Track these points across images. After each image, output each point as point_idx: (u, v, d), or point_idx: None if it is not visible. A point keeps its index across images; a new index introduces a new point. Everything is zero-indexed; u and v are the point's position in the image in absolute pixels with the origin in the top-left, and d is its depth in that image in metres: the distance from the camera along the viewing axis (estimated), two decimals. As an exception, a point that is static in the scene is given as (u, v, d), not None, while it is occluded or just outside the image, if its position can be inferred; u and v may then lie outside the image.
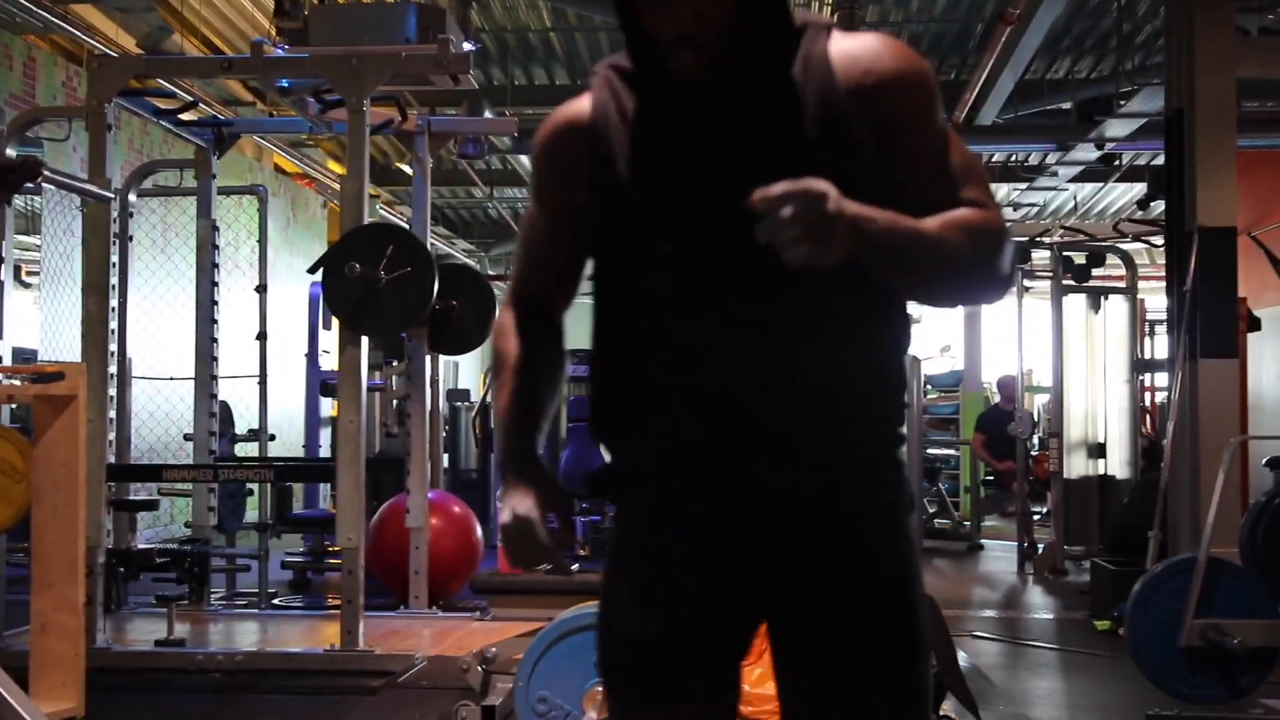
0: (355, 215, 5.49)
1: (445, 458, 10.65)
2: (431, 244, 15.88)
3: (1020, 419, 8.93)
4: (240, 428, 7.70)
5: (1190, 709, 4.36)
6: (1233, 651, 4.14)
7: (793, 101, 1.52)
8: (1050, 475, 8.58)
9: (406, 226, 6.78)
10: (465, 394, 12.73)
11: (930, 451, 13.00)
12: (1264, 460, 5.26)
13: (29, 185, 5.51)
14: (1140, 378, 8.96)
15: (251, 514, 7.89)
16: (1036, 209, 15.79)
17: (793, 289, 1.48)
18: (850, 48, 1.55)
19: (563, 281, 1.76)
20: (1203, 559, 4.24)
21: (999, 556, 9.46)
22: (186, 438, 6.97)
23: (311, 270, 5.56)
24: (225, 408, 7.15)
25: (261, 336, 6.97)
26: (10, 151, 5.41)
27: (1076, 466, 8.41)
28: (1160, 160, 7.61)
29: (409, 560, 6.24)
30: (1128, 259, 8.96)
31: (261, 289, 7.09)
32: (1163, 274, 6.49)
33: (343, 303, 5.40)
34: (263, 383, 7.03)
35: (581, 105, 1.67)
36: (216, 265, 6.66)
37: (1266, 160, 11.56)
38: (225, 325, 6.75)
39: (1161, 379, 9.50)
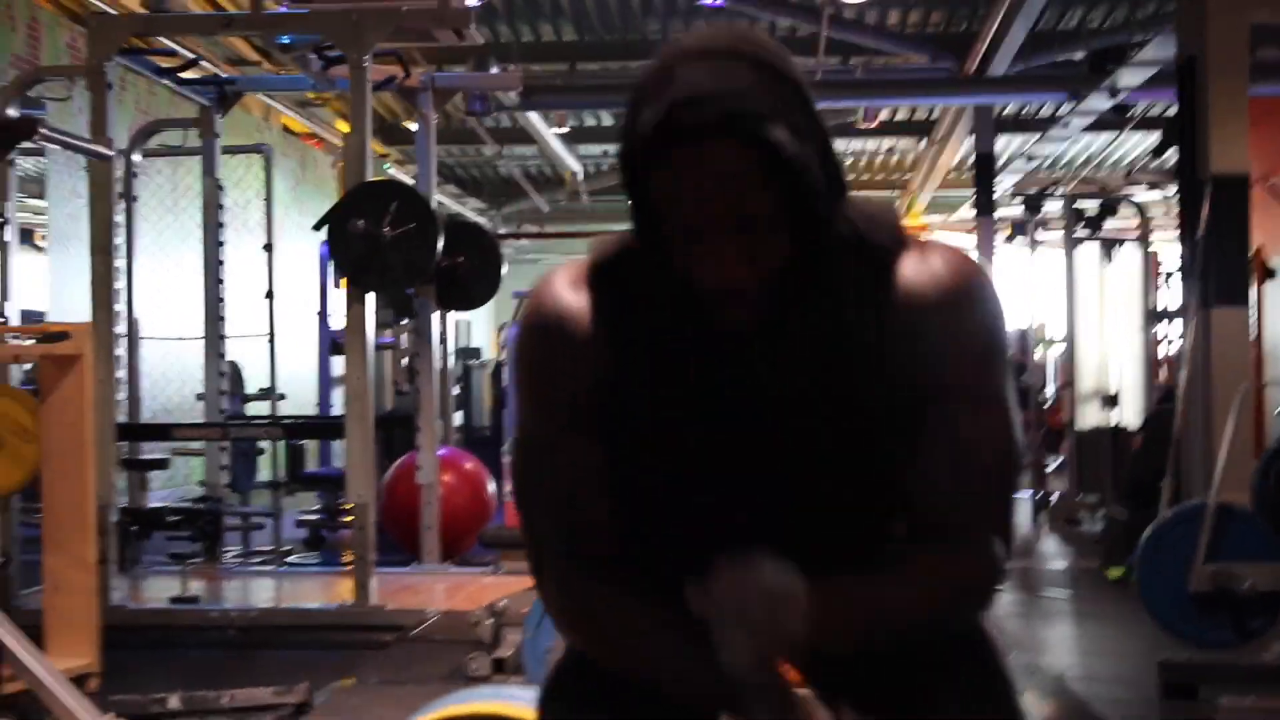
0: (359, 172, 5.48)
1: (459, 415, 10.68)
2: (441, 202, 15.82)
3: (1032, 370, 8.90)
4: (252, 388, 7.72)
5: (1201, 654, 4.36)
6: (1242, 596, 4.13)
7: (846, 354, 1.32)
8: (1063, 426, 8.56)
9: (413, 184, 6.75)
10: (477, 352, 12.74)
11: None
12: (1278, 409, 5.23)
13: (31, 146, 5.50)
14: (1153, 328, 8.91)
15: (266, 473, 7.92)
16: (1050, 161, 15.67)
17: (844, 550, 1.34)
18: (917, 286, 1.33)
19: (606, 516, 1.37)
20: (1212, 504, 4.22)
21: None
22: (199, 398, 6.99)
23: (316, 227, 5.56)
24: (235, 367, 7.16)
25: (270, 295, 6.97)
26: (12, 112, 5.40)
27: (1089, 417, 8.39)
28: (1174, 110, 7.56)
29: (420, 516, 6.27)
30: (1140, 209, 8.90)
31: (269, 248, 7.08)
32: (1176, 224, 6.43)
33: (347, 259, 5.40)
34: (272, 341, 7.03)
35: (575, 298, 1.38)
36: (222, 224, 6.65)
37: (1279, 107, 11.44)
38: (235, 285, 6.75)
39: (1174, 330, 9.45)
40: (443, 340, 7.50)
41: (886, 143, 15.62)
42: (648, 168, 1.24)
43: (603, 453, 1.35)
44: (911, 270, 1.33)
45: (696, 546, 1.30)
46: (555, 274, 1.41)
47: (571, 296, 1.37)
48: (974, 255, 1.40)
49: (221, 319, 6.62)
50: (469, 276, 6.64)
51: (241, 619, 5.20)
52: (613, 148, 16.46)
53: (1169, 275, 10.65)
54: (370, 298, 5.50)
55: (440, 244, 5.56)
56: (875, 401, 1.32)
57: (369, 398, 5.43)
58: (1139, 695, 4.36)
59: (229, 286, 6.69)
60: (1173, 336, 9.93)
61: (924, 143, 14.71)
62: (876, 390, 1.32)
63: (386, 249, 5.38)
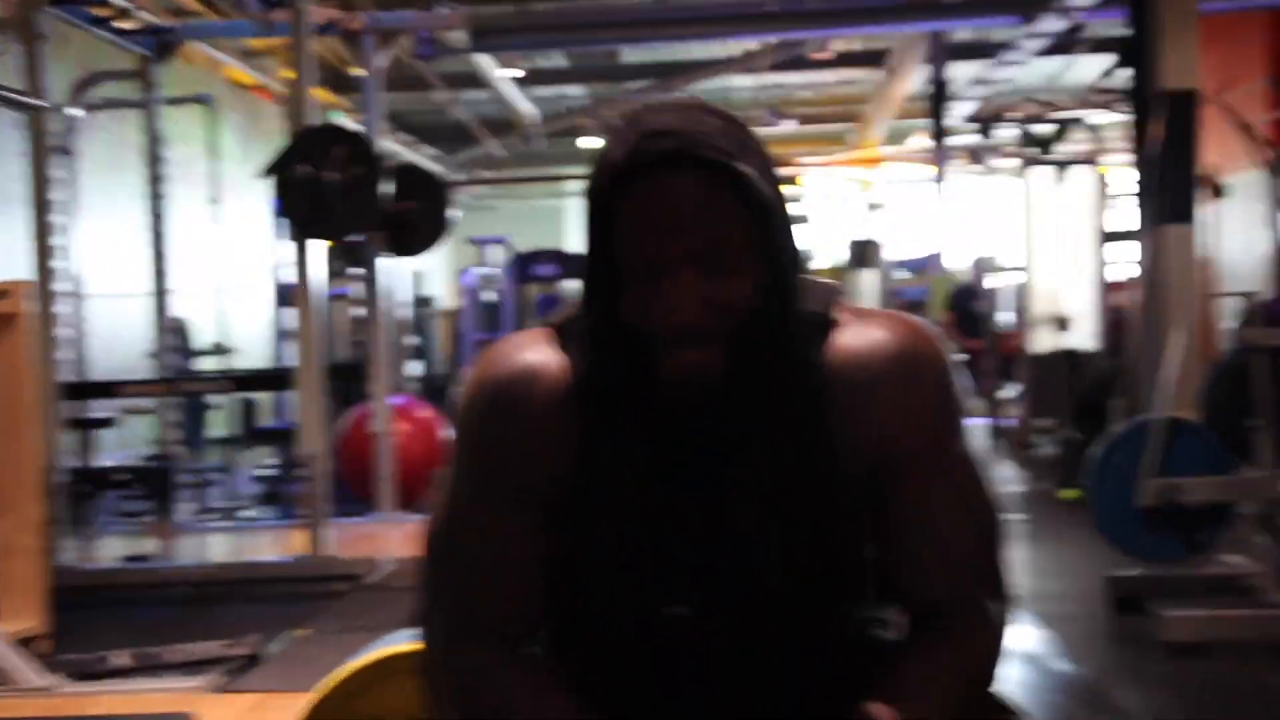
0: (302, 117, 5.39)
1: (416, 364, 10.62)
2: (394, 151, 15.62)
3: (985, 296, 8.92)
4: (205, 344, 7.64)
5: (1149, 568, 4.39)
6: (1189, 509, 4.16)
7: (805, 429, 1.27)
8: (1018, 352, 8.59)
9: (361, 129, 6.66)
10: (432, 300, 12.66)
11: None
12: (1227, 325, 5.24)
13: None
14: (1105, 250, 8.94)
15: (221, 430, 7.86)
16: (1005, 87, 15.61)
17: (806, 639, 1.30)
18: (864, 354, 1.29)
19: (532, 606, 1.32)
20: (1159, 419, 4.24)
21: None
22: (149, 355, 6.92)
23: (261, 175, 5.48)
24: (181, 323, 7.08)
25: (214, 250, 6.88)
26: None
27: (1044, 341, 8.41)
28: (1127, 31, 7.51)
29: (375, 466, 6.24)
30: (1093, 131, 8.88)
31: (214, 201, 6.98)
32: (1129, 146, 6.41)
33: (293, 206, 5.33)
34: (219, 296, 6.95)
35: (531, 366, 1.30)
36: (163, 177, 6.55)
37: (1234, 24, 11.43)
38: (183, 240, 6.66)
39: (1125, 252, 9.47)
40: (394, 288, 7.44)
41: (841, 74, 15.55)
42: (614, 199, 1.21)
43: (537, 541, 1.29)
44: (856, 339, 1.30)
45: (646, 636, 1.27)
46: (511, 340, 1.35)
47: (527, 363, 1.30)
48: (921, 321, 1.35)
49: (165, 274, 6.53)
50: (419, 222, 6.57)
51: (195, 575, 5.18)
52: (570, 88, 16.22)
53: (1119, 197, 10.68)
54: (319, 246, 5.44)
55: (388, 189, 5.50)
56: (834, 477, 1.27)
57: (319, 348, 5.38)
58: (1088, 610, 4.41)
59: (177, 241, 6.60)
60: (1124, 259, 9.96)
61: (878, 73, 14.64)
62: (834, 464, 1.27)
63: (332, 195, 5.31)
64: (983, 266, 9.48)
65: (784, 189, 1.26)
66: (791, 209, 1.28)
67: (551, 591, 1.31)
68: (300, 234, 5.35)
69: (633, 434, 1.26)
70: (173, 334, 6.59)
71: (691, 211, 1.18)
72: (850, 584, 1.32)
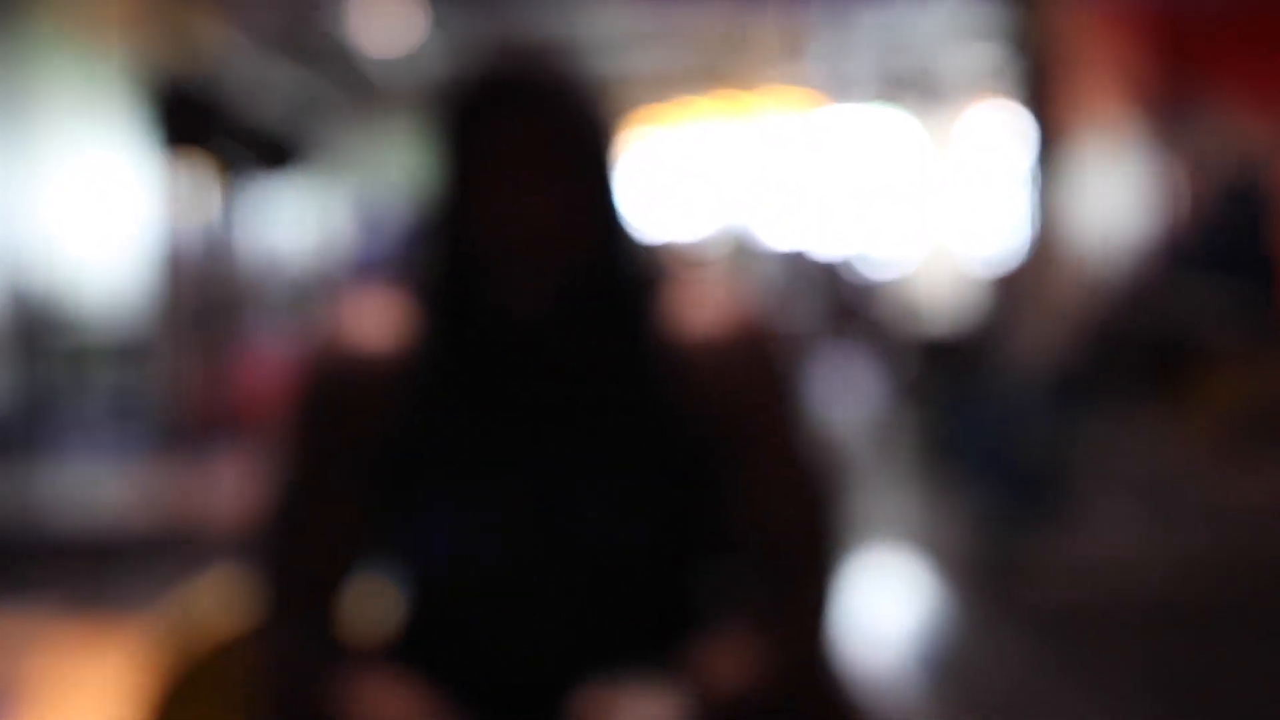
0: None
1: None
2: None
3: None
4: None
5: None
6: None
7: (631, 384, 1.31)
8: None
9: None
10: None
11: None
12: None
13: None
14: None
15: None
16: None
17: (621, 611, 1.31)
18: (685, 320, 1.33)
19: (345, 573, 1.34)
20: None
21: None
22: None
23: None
24: None
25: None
26: None
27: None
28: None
29: None
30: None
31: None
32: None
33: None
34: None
35: (389, 327, 1.34)
36: None
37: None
38: None
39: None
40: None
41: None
42: (468, 125, 1.27)
43: (361, 502, 1.32)
44: (687, 304, 1.34)
45: (462, 585, 1.30)
46: (355, 304, 1.37)
47: (365, 333, 1.33)
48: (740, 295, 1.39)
49: None
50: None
51: None
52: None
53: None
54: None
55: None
56: (659, 434, 1.31)
57: None
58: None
59: None
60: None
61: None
62: (659, 422, 1.31)
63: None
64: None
65: (617, 147, 1.33)
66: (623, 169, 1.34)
67: (394, 549, 1.34)
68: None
69: (461, 397, 1.31)
70: None
71: (539, 141, 1.27)
72: (671, 540, 1.32)
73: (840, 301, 10.23)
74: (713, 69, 18.63)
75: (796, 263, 11.68)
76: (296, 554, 1.32)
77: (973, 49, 9.77)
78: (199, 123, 5.03)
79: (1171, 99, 6.95)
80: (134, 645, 1.74)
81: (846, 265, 10.49)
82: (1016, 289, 5.80)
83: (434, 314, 1.32)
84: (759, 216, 12.11)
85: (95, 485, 5.60)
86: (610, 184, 1.31)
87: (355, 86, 18.10)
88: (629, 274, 1.32)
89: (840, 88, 10.31)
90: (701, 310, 1.34)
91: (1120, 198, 8.49)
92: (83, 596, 3.88)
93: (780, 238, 13.58)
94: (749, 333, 1.34)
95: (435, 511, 1.30)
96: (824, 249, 10.97)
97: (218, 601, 1.50)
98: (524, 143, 1.27)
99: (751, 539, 1.32)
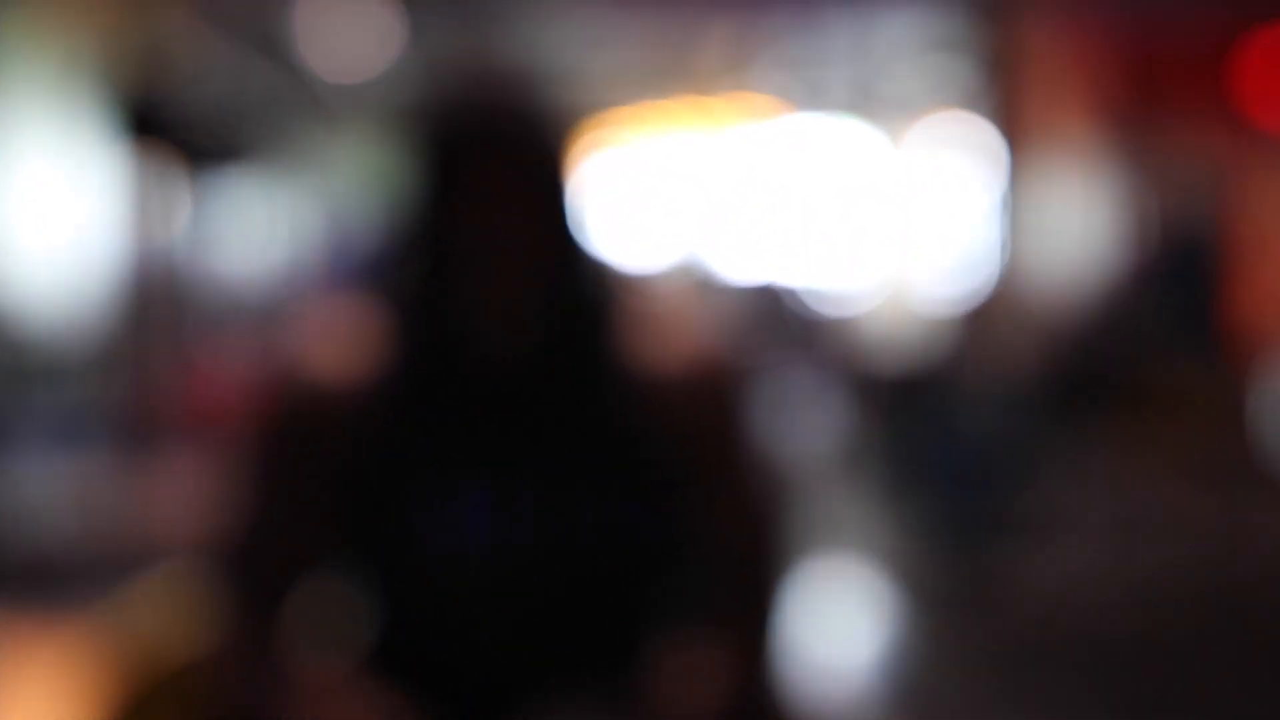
0: None
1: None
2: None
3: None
4: None
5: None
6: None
7: (595, 415, 1.34)
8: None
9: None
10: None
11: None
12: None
13: None
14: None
15: None
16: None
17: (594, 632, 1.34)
18: (651, 357, 1.36)
19: (298, 565, 1.36)
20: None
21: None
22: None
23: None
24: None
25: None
26: None
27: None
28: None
29: None
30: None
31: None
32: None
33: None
34: None
35: (354, 354, 1.35)
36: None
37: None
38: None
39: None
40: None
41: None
42: (449, 153, 1.30)
43: (322, 536, 1.32)
44: (653, 341, 1.37)
45: (428, 601, 1.31)
46: (321, 326, 1.43)
47: (331, 363, 1.34)
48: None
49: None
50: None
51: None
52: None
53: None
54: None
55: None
56: (623, 462, 1.33)
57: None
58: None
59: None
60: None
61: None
62: (621, 450, 1.34)
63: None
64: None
65: (571, 190, 1.35)
66: (581, 204, 1.37)
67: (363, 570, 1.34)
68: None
69: (428, 425, 1.32)
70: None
71: (508, 204, 1.29)
72: (631, 560, 1.34)
73: (798, 331, 10.27)
74: (673, 74, 18.64)
75: (754, 293, 11.72)
76: (257, 574, 1.33)
77: (937, 61, 9.87)
78: (163, 129, 5.01)
79: (1134, 120, 7.03)
80: (77, 646, 1.72)
81: (804, 294, 10.53)
82: (979, 315, 5.85)
83: (405, 341, 1.33)
84: (716, 244, 12.14)
85: (44, 494, 5.53)
86: (576, 215, 1.33)
87: (321, 100, 18.04)
88: (594, 304, 1.35)
89: (803, 96, 10.35)
90: (660, 342, 1.37)
91: (1082, 219, 8.59)
92: (28, 601, 3.82)
93: (737, 267, 13.62)
94: (705, 366, 1.37)
95: (401, 536, 1.32)
96: (781, 278, 11.00)
97: (161, 602, 1.49)
98: (501, 179, 1.29)
99: (703, 561, 1.35)
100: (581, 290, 1.34)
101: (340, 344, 1.36)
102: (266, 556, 1.33)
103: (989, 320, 5.35)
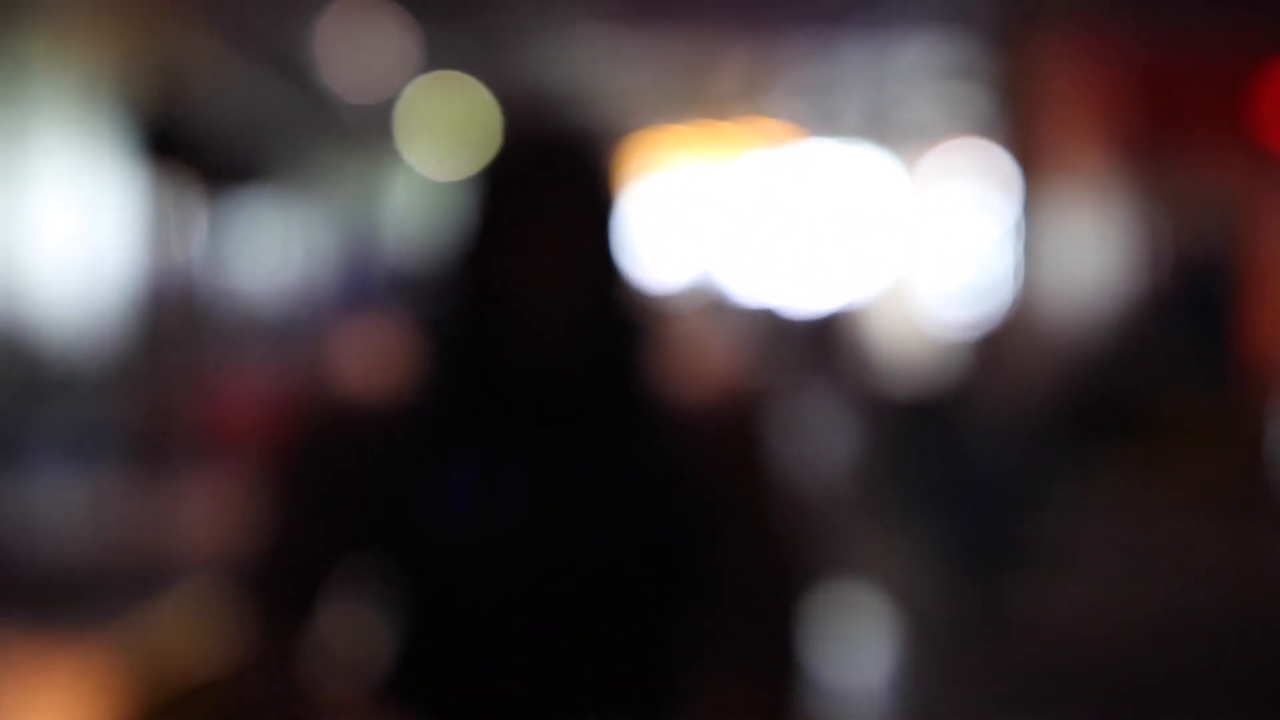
0: None
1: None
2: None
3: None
4: None
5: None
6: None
7: (623, 442, 1.34)
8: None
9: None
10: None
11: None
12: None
13: None
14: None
15: None
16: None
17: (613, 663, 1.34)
18: (682, 387, 1.36)
19: (320, 583, 1.36)
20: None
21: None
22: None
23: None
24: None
25: None
26: None
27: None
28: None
29: None
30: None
31: None
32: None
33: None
34: None
35: (387, 370, 1.36)
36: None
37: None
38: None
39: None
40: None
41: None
42: (501, 177, 1.31)
43: (348, 552, 1.33)
44: (685, 372, 1.37)
45: (445, 619, 1.31)
46: (353, 344, 1.40)
47: (369, 372, 1.34)
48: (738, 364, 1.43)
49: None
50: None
51: None
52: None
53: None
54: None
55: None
56: (650, 493, 1.33)
57: None
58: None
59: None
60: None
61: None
62: (649, 481, 1.33)
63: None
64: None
65: (623, 202, 1.36)
66: (632, 225, 1.38)
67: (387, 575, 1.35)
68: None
69: (464, 432, 1.32)
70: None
71: (552, 215, 1.30)
72: (655, 583, 1.34)
73: (811, 356, 10.26)
74: (689, 100, 18.64)
75: (768, 317, 11.70)
76: (279, 593, 1.32)
77: (951, 88, 9.88)
78: (181, 149, 5.04)
79: (1148, 148, 7.01)
80: (94, 664, 1.72)
81: (817, 318, 10.53)
82: (992, 342, 5.85)
83: (441, 361, 1.33)
84: (732, 267, 12.12)
85: (60, 510, 5.55)
86: (617, 238, 1.34)
87: (340, 120, 18.08)
88: (632, 328, 1.36)
89: (818, 123, 10.36)
90: (687, 366, 1.37)
91: (1095, 247, 8.58)
92: (44, 618, 3.83)
93: (755, 290, 13.59)
94: (731, 392, 1.38)
95: (433, 557, 1.31)
96: (795, 302, 10.99)
97: (179, 620, 1.49)
98: (554, 200, 1.31)
99: (727, 590, 1.35)
100: (621, 313, 1.35)
101: (369, 363, 1.36)
102: (289, 575, 1.32)
103: (1002, 348, 5.34)
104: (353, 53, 8.70)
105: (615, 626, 1.32)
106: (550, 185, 1.31)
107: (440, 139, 9.23)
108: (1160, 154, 8.19)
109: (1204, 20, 8.06)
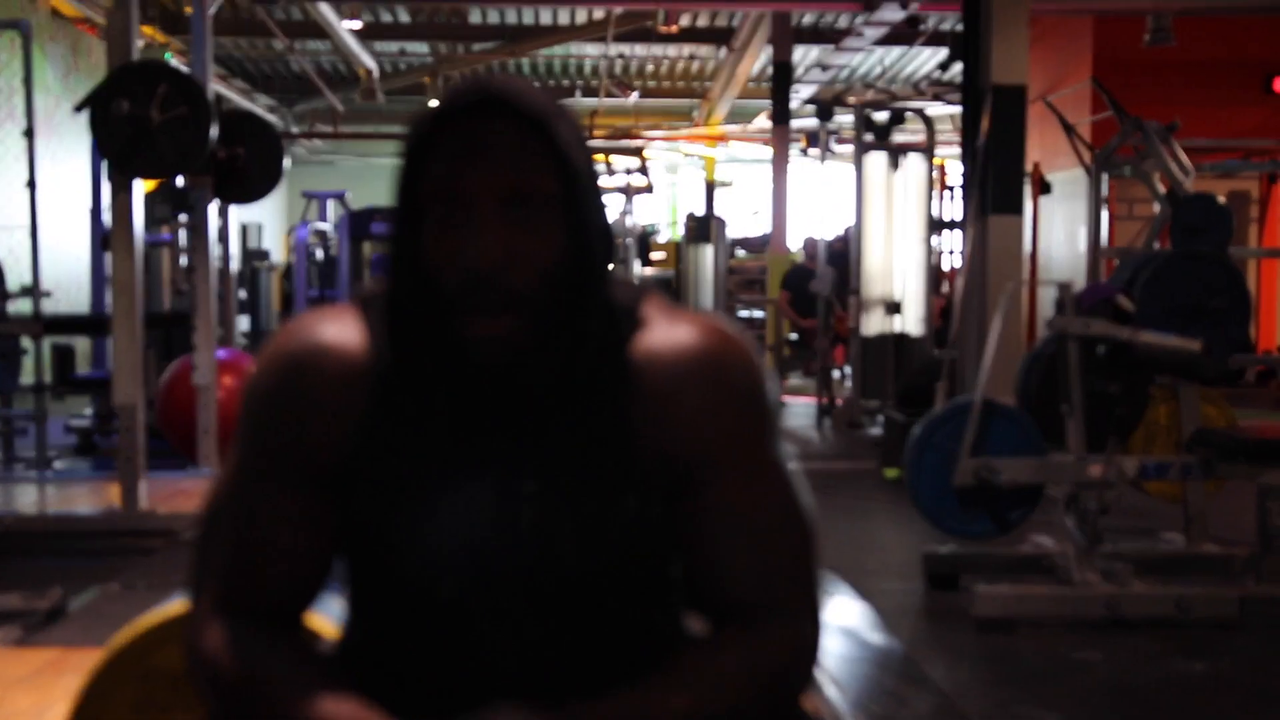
0: (123, 50, 5.16)
1: (246, 319, 10.32)
2: (227, 96, 15.05)
3: (821, 276, 9.07)
4: (17, 285, 7.28)
5: (963, 544, 4.54)
6: (1001, 489, 4.30)
7: (604, 419, 1.26)
8: (849, 332, 8.77)
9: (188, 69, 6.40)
10: (265, 254, 12.32)
11: (739, 313, 13.20)
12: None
13: None
14: (936, 237, 9.17)
15: (33, 376, 7.51)
16: (846, 73, 15.91)
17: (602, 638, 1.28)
18: (670, 353, 1.27)
19: (303, 585, 1.29)
20: (977, 401, 4.36)
21: (799, 413, 9.69)
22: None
23: (77, 109, 5.22)
24: (-7, 262, 6.74)
25: (31, 185, 6.55)
26: None
27: (874, 324, 8.61)
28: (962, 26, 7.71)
29: (197, 420, 6.04)
30: (927, 121, 9.09)
31: (29, 134, 6.65)
32: (960, 138, 6.58)
33: (111, 143, 5.10)
34: (34, 234, 6.62)
35: (350, 335, 1.28)
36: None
37: (1063, 27, 11.84)
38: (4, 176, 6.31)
39: (955, 240, 9.74)
40: (224, 238, 7.21)
41: (687, 49, 15.63)
42: (425, 141, 1.20)
43: (317, 518, 1.27)
44: (664, 337, 1.28)
45: (425, 617, 1.26)
46: (310, 314, 1.32)
47: (319, 338, 1.28)
48: (725, 321, 1.33)
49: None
50: (249, 169, 6.35)
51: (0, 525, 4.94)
52: (413, 45, 15.91)
53: (952, 189, 10.99)
54: (140, 189, 5.22)
55: (215, 133, 5.30)
56: (632, 472, 1.26)
57: (137, 293, 5.17)
58: (905, 585, 4.53)
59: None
60: (954, 247, 10.25)
61: (723, 51, 14.75)
62: (632, 459, 1.26)
63: (155, 134, 5.09)
64: (818, 247, 9.62)
65: (596, 164, 1.27)
66: (603, 185, 1.29)
67: (349, 562, 1.30)
68: (119, 173, 5.13)
69: (424, 411, 1.25)
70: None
71: (500, 153, 1.19)
72: (641, 581, 1.29)
73: (812, 332, 10.24)
74: (684, 96, 18.72)
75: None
76: (238, 559, 1.26)
77: (942, 86, 9.88)
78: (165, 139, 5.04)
79: (1130, 142, 7.04)
80: (85, 674, 1.73)
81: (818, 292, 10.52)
82: (978, 313, 5.84)
83: (397, 335, 1.26)
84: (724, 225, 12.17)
85: (47, 503, 5.55)
86: (583, 206, 1.23)
87: (319, 108, 17.98)
88: (600, 299, 1.26)
89: (815, 129, 10.35)
90: (677, 335, 1.28)
91: (1080, 240, 8.59)
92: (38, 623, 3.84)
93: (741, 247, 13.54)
94: (726, 358, 1.28)
95: (392, 531, 1.25)
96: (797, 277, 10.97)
97: (174, 628, 1.50)
98: (476, 163, 1.19)
99: (729, 571, 1.28)
100: (587, 281, 1.24)
101: (330, 331, 1.28)
102: (247, 540, 1.26)
103: (989, 342, 5.38)
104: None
105: (597, 597, 1.27)
106: (487, 111, 1.20)
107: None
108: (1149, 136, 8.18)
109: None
